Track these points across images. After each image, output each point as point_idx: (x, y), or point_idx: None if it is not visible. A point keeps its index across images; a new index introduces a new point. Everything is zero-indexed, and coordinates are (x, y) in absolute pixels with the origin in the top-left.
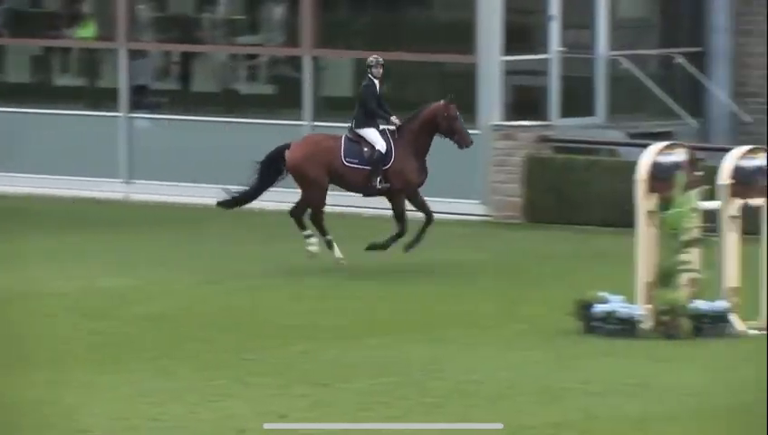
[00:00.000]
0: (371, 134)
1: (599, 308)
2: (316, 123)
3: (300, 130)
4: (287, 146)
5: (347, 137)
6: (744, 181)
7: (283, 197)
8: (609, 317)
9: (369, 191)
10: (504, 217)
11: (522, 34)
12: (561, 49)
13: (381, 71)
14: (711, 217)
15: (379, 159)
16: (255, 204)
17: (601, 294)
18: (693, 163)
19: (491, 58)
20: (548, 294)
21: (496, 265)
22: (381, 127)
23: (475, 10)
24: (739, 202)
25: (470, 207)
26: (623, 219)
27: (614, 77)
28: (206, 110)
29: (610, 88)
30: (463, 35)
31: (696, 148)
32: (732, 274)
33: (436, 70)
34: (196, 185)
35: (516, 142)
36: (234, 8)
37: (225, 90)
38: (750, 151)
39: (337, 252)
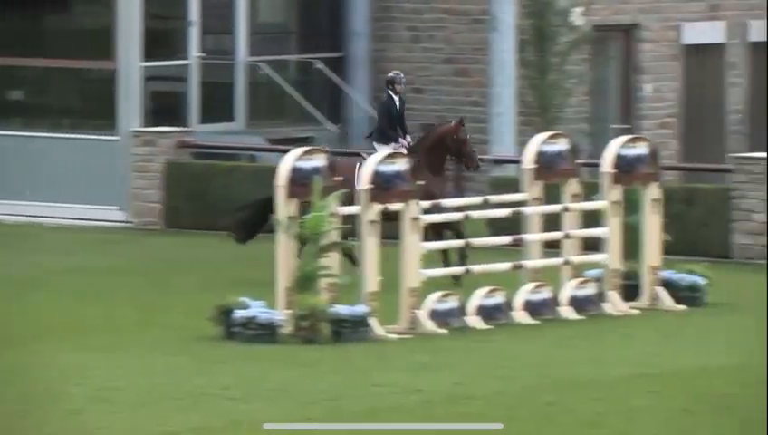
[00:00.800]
0: (384, 151)
1: (239, 314)
2: None
3: None
4: None
5: (362, 159)
6: (384, 186)
7: None
8: (249, 323)
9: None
10: (144, 223)
11: (162, 40)
12: (200, 55)
13: (402, 87)
14: (351, 221)
15: None
16: None
17: (242, 299)
18: (332, 168)
19: (130, 64)
20: (188, 300)
21: (136, 271)
22: (394, 148)
23: (115, 16)
24: (378, 207)
25: (110, 214)
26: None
27: (254, 83)
28: None
29: (250, 94)
30: (103, 41)
31: (336, 153)
32: (371, 278)
33: (76, 76)
34: None
35: (156, 148)
36: None
37: None
38: (388, 156)
39: None
